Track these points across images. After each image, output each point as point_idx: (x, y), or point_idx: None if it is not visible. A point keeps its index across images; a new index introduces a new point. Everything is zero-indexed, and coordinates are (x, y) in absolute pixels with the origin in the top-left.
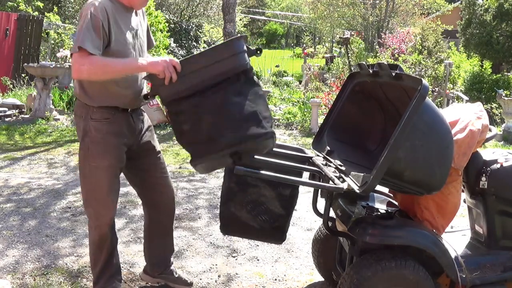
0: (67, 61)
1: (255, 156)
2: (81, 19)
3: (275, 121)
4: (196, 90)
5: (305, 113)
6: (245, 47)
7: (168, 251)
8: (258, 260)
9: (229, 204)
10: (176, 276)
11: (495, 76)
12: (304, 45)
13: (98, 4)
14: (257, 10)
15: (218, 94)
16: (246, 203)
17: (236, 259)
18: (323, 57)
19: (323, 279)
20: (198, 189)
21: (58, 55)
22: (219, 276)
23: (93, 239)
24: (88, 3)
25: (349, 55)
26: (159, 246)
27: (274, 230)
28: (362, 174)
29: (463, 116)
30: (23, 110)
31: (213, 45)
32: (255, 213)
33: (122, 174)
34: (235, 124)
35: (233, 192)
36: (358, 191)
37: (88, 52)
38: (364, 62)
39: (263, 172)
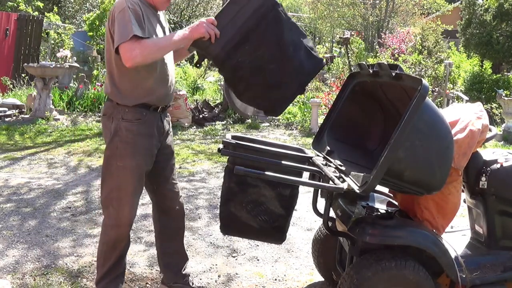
0: (67, 61)
1: (255, 156)
2: (118, 14)
3: (275, 121)
4: (242, 35)
5: (305, 113)
6: None
7: (180, 258)
8: (258, 260)
9: (229, 204)
10: (192, 286)
11: (495, 76)
12: None
13: (126, 1)
14: None
15: (268, 32)
16: (246, 203)
17: (236, 259)
18: (323, 57)
19: (323, 279)
20: (198, 189)
21: (58, 55)
22: (219, 276)
23: (107, 239)
24: (119, 1)
25: (349, 55)
26: (171, 254)
27: (274, 230)
28: (362, 174)
29: (463, 116)
30: (23, 110)
31: None
32: (255, 213)
33: None
34: (297, 64)
35: (233, 192)
36: (358, 191)
37: (137, 37)
38: (364, 62)
39: (261, 172)
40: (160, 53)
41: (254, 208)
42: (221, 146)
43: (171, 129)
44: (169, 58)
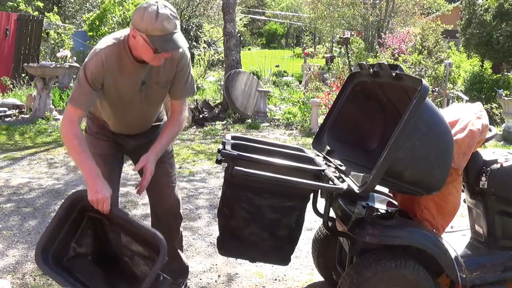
0: (67, 61)
1: (253, 156)
2: (83, 65)
3: (275, 121)
4: None
5: (305, 113)
6: None
7: (172, 259)
8: None
9: (229, 219)
10: None
11: (495, 76)
12: (304, 45)
13: (98, 56)
14: (257, 10)
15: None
16: (247, 218)
17: (236, 259)
18: (323, 57)
19: (323, 279)
20: (198, 189)
21: (58, 55)
22: (219, 276)
23: None
24: (92, 51)
25: (349, 55)
26: None
27: (278, 249)
28: (362, 174)
29: (463, 116)
30: (23, 110)
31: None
32: (257, 229)
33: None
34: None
35: (233, 204)
36: (357, 191)
37: (75, 108)
38: (364, 62)
39: (261, 173)
40: (69, 151)
41: (256, 223)
42: (220, 146)
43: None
44: (140, 108)
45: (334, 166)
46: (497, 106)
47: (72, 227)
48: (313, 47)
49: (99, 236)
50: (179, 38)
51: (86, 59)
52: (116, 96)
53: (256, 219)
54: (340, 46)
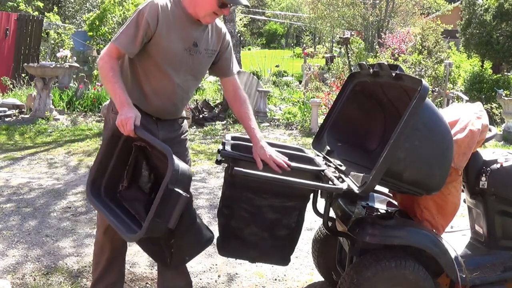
0: (67, 61)
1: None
2: (135, 13)
3: (275, 121)
4: None
5: (305, 113)
6: None
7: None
8: None
9: (229, 219)
10: None
11: (495, 76)
12: (304, 45)
13: (154, 3)
14: (257, 10)
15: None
16: (247, 218)
17: (236, 259)
18: (323, 57)
19: (323, 279)
20: (198, 189)
21: (58, 55)
22: (219, 276)
23: (96, 240)
24: (146, 2)
25: (349, 55)
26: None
27: (278, 249)
28: (362, 174)
29: (463, 116)
30: (23, 110)
31: None
32: (256, 229)
33: None
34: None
35: (232, 205)
36: (357, 191)
37: (117, 47)
38: (364, 62)
39: (261, 173)
40: (103, 80)
41: (256, 223)
42: (220, 147)
43: (184, 141)
44: (184, 78)
45: (334, 166)
46: (497, 106)
47: (122, 158)
48: (313, 47)
49: (150, 164)
50: None
51: (139, 7)
52: (165, 53)
53: (256, 219)
54: (340, 46)
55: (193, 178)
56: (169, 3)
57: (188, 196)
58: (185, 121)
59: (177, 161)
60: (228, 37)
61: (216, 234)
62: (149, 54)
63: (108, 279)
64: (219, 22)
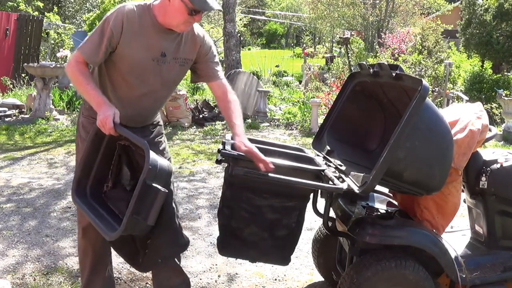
0: (67, 61)
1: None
2: (102, 20)
3: (275, 121)
4: None
5: (305, 113)
6: None
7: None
8: None
9: (229, 219)
10: None
11: (495, 76)
12: (304, 45)
13: (120, 10)
14: (257, 10)
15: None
16: (247, 217)
17: (236, 259)
18: (323, 57)
19: (323, 279)
20: (198, 189)
21: (58, 55)
22: (219, 276)
23: (79, 243)
24: (118, 6)
25: (349, 55)
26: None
27: (278, 249)
28: (362, 174)
29: (463, 116)
30: (23, 110)
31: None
32: (257, 228)
33: None
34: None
35: (232, 204)
36: (357, 191)
37: (81, 55)
38: (364, 62)
39: (261, 173)
40: (75, 85)
41: (256, 223)
42: (220, 146)
43: (156, 140)
44: (151, 88)
45: (334, 166)
46: (497, 106)
47: (106, 157)
48: (313, 47)
49: (133, 163)
50: (214, 1)
51: (107, 13)
52: (129, 63)
53: (256, 219)
54: (340, 46)
55: (193, 178)
56: (138, 10)
57: (167, 191)
58: (159, 126)
59: (155, 156)
60: (208, 41)
61: (217, 234)
62: (114, 63)
63: (95, 284)
64: (198, 27)
